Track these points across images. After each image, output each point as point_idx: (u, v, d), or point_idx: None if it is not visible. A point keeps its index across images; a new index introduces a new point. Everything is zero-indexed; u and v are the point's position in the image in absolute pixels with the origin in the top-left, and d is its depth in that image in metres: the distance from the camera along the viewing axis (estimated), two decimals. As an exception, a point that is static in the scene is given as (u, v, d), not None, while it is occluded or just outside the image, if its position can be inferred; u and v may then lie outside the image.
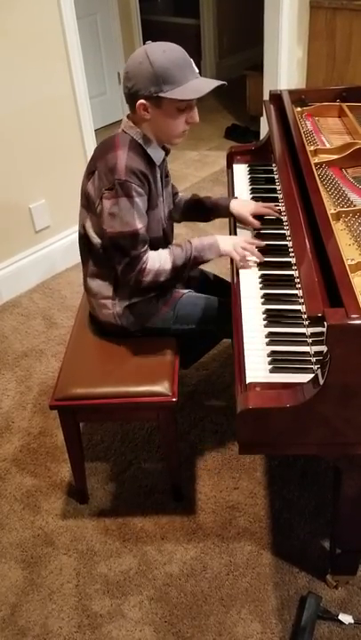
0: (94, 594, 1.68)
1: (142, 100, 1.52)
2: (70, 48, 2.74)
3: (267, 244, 1.77)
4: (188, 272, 1.75)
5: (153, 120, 1.56)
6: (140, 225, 1.56)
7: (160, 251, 1.67)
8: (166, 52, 1.49)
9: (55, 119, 2.83)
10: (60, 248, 3.06)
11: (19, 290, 2.97)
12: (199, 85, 1.52)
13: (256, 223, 1.85)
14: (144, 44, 1.54)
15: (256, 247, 1.71)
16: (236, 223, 1.92)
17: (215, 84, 1.56)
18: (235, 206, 1.89)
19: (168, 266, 1.64)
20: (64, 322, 2.75)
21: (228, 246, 1.69)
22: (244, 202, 1.92)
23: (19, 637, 1.60)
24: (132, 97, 1.54)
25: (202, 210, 1.96)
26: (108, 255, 1.66)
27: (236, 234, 1.88)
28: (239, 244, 1.70)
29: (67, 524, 1.87)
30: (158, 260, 1.63)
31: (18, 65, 2.59)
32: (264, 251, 1.75)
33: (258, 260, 1.69)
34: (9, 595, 1.70)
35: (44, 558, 1.78)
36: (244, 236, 1.80)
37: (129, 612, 1.64)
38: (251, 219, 1.86)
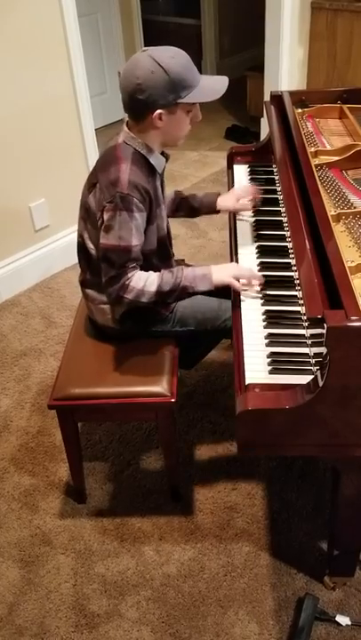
0: (92, 594, 1.68)
1: (160, 110, 1.49)
2: (71, 47, 2.74)
3: (266, 245, 1.77)
4: (176, 300, 1.69)
5: (164, 127, 1.53)
6: (135, 242, 1.53)
7: (150, 272, 1.61)
8: (175, 58, 1.47)
9: (56, 118, 2.83)
10: (60, 247, 3.06)
11: (18, 289, 2.97)
12: (213, 85, 1.54)
13: (248, 205, 1.92)
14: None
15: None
16: (235, 222, 1.92)
17: (224, 82, 1.56)
18: (220, 203, 1.94)
19: (153, 288, 1.57)
20: (63, 321, 2.75)
21: (223, 277, 1.60)
22: (227, 195, 1.96)
23: (16, 636, 1.60)
24: (145, 108, 1.49)
25: (189, 208, 1.99)
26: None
27: (235, 232, 1.87)
28: (235, 274, 1.61)
29: (64, 523, 1.87)
30: (144, 280, 1.56)
31: (19, 64, 2.58)
32: (264, 251, 1.75)
33: (259, 287, 1.61)
34: (6, 594, 1.70)
35: (41, 558, 1.78)
36: (241, 265, 1.72)
37: (126, 612, 1.64)
38: (238, 206, 1.93)
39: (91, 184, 1.62)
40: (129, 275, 1.55)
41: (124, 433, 2.17)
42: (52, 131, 2.84)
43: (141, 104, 1.49)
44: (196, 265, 1.69)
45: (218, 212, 1.98)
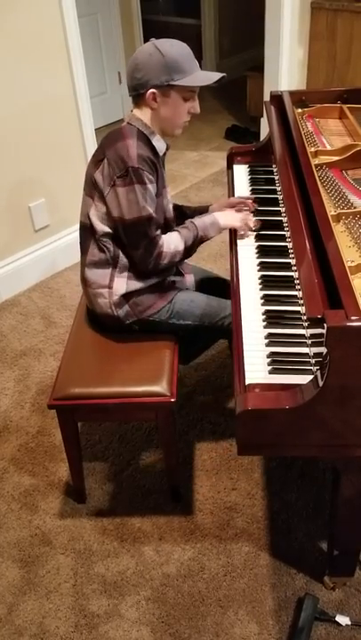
0: (91, 594, 1.68)
1: (152, 89, 1.59)
2: (71, 47, 2.74)
3: (266, 245, 1.77)
4: (195, 250, 1.83)
5: (159, 109, 1.63)
6: (152, 210, 1.64)
7: (170, 234, 1.75)
8: (174, 46, 1.59)
9: (56, 118, 2.83)
10: (60, 247, 3.06)
11: (18, 289, 2.97)
12: (207, 75, 1.64)
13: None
14: (145, 43, 1.59)
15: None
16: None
17: (219, 74, 1.65)
18: (213, 210, 1.98)
19: (181, 247, 1.74)
20: (63, 321, 2.75)
21: (227, 220, 1.83)
22: (219, 205, 1.99)
23: (15, 637, 1.60)
24: (141, 87, 1.60)
25: (182, 218, 1.97)
26: (108, 241, 1.71)
27: (235, 232, 1.87)
28: (235, 215, 1.85)
29: (64, 523, 1.87)
30: (173, 243, 1.72)
31: (19, 64, 2.59)
32: (264, 251, 1.75)
33: (257, 225, 1.84)
34: (6, 594, 1.70)
35: (41, 558, 1.78)
36: (236, 211, 1.91)
37: (126, 612, 1.64)
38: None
39: (97, 159, 1.68)
40: (159, 242, 1.69)
41: (123, 433, 2.17)
42: (52, 131, 2.84)
43: (136, 82, 1.60)
44: (201, 216, 1.86)
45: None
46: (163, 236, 1.72)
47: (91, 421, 2.17)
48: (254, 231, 1.84)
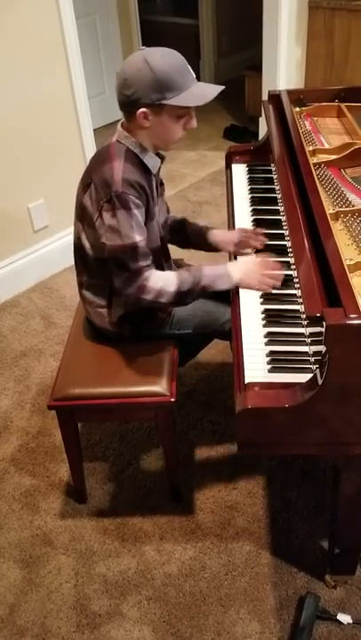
0: (93, 594, 1.68)
1: (143, 109, 1.47)
2: (69, 48, 2.74)
3: (266, 245, 1.77)
4: (194, 300, 1.64)
5: (152, 128, 1.52)
6: (138, 238, 1.51)
7: (167, 272, 1.62)
8: (165, 57, 1.45)
9: (54, 119, 2.83)
10: (59, 248, 3.06)
11: (17, 289, 2.97)
12: (202, 91, 1.50)
13: (230, 248, 1.79)
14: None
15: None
16: (235, 222, 1.92)
17: (217, 89, 1.52)
18: (216, 239, 1.83)
19: (172, 288, 1.56)
20: (62, 321, 2.75)
21: (243, 278, 1.60)
22: (225, 234, 1.83)
23: (17, 637, 1.60)
24: (131, 105, 1.48)
25: (182, 236, 1.89)
26: (102, 268, 1.61)
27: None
28: (254, 271, 1.60)
29: (65, 523, 1.87)
30: (162, 280, 1.56)
31: (16, 65, 2.59)
32: (264, 250, 1.75)
33: (281, 277, 1.58)
34: (7, 594, 1.70)
35: (42, 558, 1.78)
36: (255, 259, 1.67)
37: (128, 611, 1.64)
38: (236, 248, 1.79)
39: (85, 184, 1.61)
40: (145, 275, 1.53)
41: (124, 433, 2.17)
42: (51, 131, 2.84)
43: (126, 100, 1.48)
44: (211, 264, 1.66)
45: (212, 248, 1.85)
46: (155, 271, 1.57)
47: (91, 422, 2.17)
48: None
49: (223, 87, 1.54)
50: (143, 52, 1.46)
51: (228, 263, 1.66)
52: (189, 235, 1.88)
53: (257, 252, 1.76)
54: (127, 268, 1.52)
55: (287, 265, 1.64)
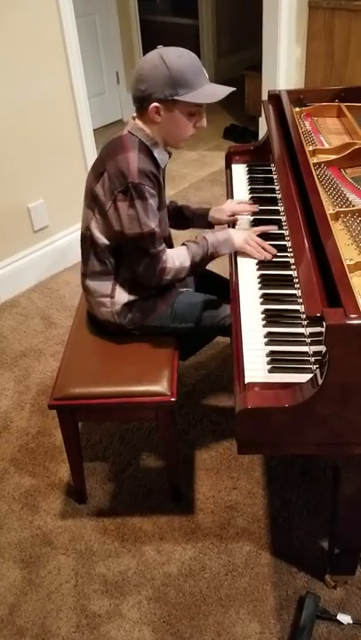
0: (93, 594, 1.68)
1: (156, 103, 1.53)
2: (69, 48, 2.74)
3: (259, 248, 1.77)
4: (205, 266, 1.78)
5: (163, 123, 1.58)
6: (155, 225, 1.59)
7: (178, 248, 1.71)
8: (181, 57, 1.51)
9: (54, 119, 2.83)
10: (59, 248, 3.06)
11: (17, 290, 2.97)
12: (214, 91, 1.56)
13: (234, 219, 1.92)
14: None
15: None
16: (235, 221, 1.93)
17: (227, 90, 1.58)
18: (213, 215, 1.95)
19: (187, 263, 1.69)
20: (62, 322, 2.75)
21: (241, 241, 1.72)
22: (219, 208, 1.95)
23: (17, 637, 1.60)
24: (144, 99, 1.54)
25: (182, 218, 1.99)
26: (110, 255, 1.69)
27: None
28: (251, 236, 1.73)
29: (65, 523, 1.87)
30: (178, 258, 1.68)
31: (16, 64, 2.59)
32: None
33: (273, 251, 1.71)
34: (7, 595, 1.70)
35: (42, 558, 1.78)
36: (255, 229, 1.81)
37: (127, 612, 1.64)
38: (232, 219, 1.92)
39: (98, 173, 1.64)
40: (163, 257, 1.65)
41: (124, 433, 2.17)
42: (51, 131, 2.84)
43: (141, 94, 1.54)
44: (215, 232, 1.77)
45: (212, 226, 1.98)
46: (168, 250, 1.68)
47: (91, 421, 2.17)
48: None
49: (234, 89, 1.59)
50: (160, 51, 1.52)
51: (229, 229, 1.78)
52: (193, 219, 1.99)
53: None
54: (148, 253, 1.62)
55: (287, 265, 1.64)
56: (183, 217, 1.99)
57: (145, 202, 1.56)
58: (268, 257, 1.70)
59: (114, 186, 1.57)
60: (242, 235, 1.74)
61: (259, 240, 1.73)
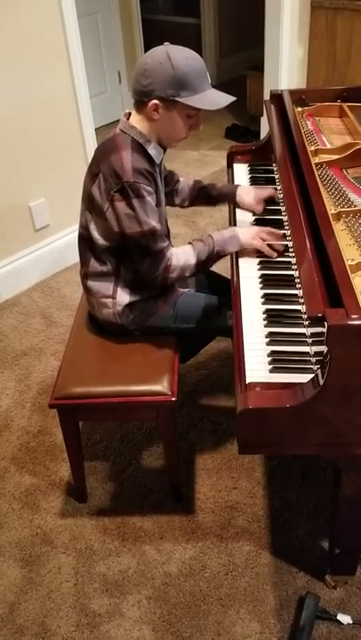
0: (93, 593, 1.68)
1: (156, 100, 1.53)
2: (71, 47, 2.74)
3: (267, 244, 1.77)
4: (211, 266, 1.76)
5: (160, 121, 1.57)
6: (155, 222, 1.58)
7: (183, 247, 1.70)
8: (188, 59, 1.51)
9: (56, 118, 2.83)
10: (60, 247, 3.06)
11: (18, 288, 2.97)
12: (215, 97, 1.56)
13: (259, 209, 1.93)
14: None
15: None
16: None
17: (229, 99, 1.58)
18: (241, 194, 1.95)
19: (193, 261, 1.67)
20: (63, 321, 2.75)
21: (248, 238, 1.71)
22: (248, 189, 1.96)
23: (17, 636, 1.60)
24: (145, 94, 1.53)
25: (207, 197, 2.00)
26: (110, 256, 1.68)
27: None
28: (258, 234, 1.72)
29: (65, 523, 1.87)
30: (183, 256, 1.66)
31: (18, 64, 2.58)
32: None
33: (281, 248, 1.71)
34: (7, 593, 1.70)
35: (42, 557, 1.78)
36: (259, 227, 1.81)
37: (127, 611, 1.64)
38: (256, 205, 1.93)
39: (93, 174, 1.63)
40: (167, 255, 1.63)
41: (124, 432, 2.17)
42: (52, 130, 2.84)
43: (142, 88, 1.53)
44: (202, 234, 1.76)
45: (235, 203, 1.98)
46: (173, 248, 1.67)
47: (91, 421, 2.17)
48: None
49: (234, 98, 1.60)
50: (168, 48, 1.51)
51: (235, 227, 1.78)
52: (217, 195, 1.99)
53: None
54: (150, 252, 1.60)
55: (289, 265, 1.64)
56: (209, 196, 1.99)
57: (142, 200, 1.55)
58: (274, 255, 1.70)
59: (109, 186, 1.56)
60: (248, 231, 1.73)
61: (266, 236, 1.72)
